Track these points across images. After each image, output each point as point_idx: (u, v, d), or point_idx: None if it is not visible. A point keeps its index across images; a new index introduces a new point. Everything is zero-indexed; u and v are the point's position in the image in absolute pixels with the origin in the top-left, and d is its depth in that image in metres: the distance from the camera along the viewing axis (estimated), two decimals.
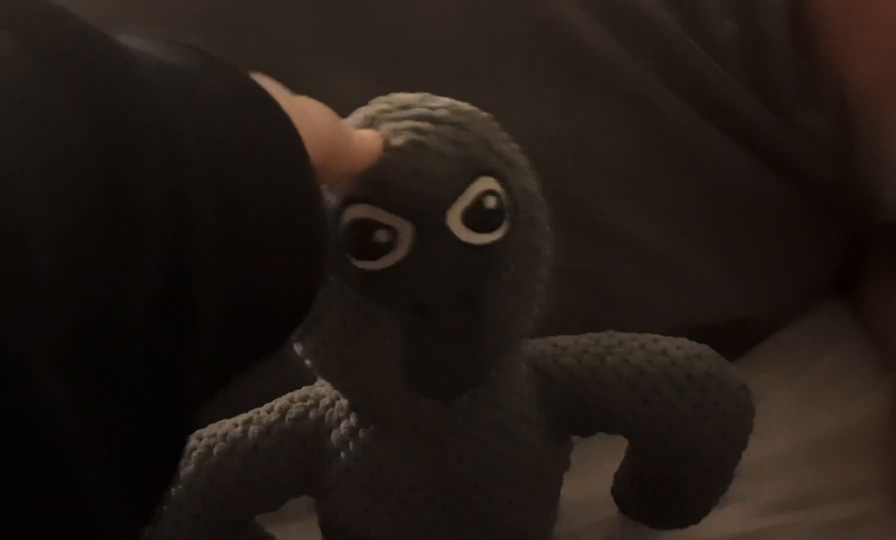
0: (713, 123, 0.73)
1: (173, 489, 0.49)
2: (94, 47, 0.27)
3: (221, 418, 0.50)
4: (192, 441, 0.49)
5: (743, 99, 0.73)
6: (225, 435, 0.49)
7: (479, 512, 0.49)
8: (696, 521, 0.55)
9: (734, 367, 0.51)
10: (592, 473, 0.55)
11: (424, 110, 0.43)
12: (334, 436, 0.49)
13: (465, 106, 0.44)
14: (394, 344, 0.44)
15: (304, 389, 0.50)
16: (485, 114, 0.45)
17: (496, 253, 0.43)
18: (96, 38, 0.27)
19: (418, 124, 0.42)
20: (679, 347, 0.50)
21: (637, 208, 0.71)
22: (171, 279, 0.27)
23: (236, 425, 0.49)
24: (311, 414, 0.49)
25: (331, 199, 0.42)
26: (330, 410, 0.49)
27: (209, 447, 0.49)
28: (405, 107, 0.43)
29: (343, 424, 0.48)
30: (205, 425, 0.50)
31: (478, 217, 0.42)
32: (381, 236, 0.42)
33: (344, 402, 0.48)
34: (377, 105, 0.44)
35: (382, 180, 0.42)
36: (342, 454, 0.48)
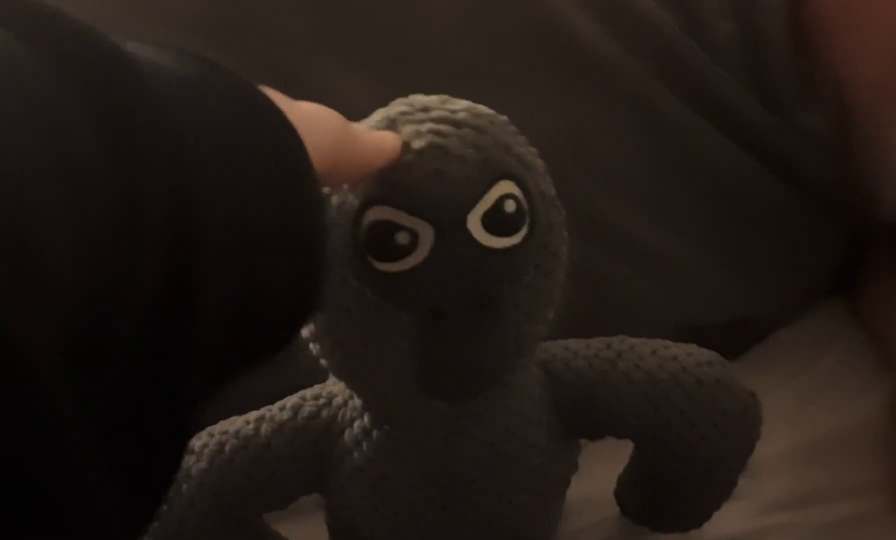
0: (713, 123, 0.73)
1: (184, 486, 0.49)
2: (102, 52, 0.27)
3: (233, 415, 0.50)
4: (204, 438, 0.49)
5: (743, 99, 0.73)
6: (237, 432, 0.49)
7: (486, 513, 0.49)
8: (699, 525, 0.56)
9: (740, 372, 0.51)
10: (594, 473, 0.55)
11: (445, 113, 0.43)
12: (347, 435, 0.49)
13: (484, 109, 0.44)
14: (410, 346, 0.44)
15: (317, 388, 0.50)
16: (503, 117, 0.45)
17: (515, 257, 0.43)
18: (104, 43, 0.28)
19: (439, 127, 0.42)
20: (689, 353, 0.50)
21: (637, 208, 0.71)
22: (173, 281, 0.27)
23: (248, 423, 0.49)
24: (324, 413, 0.49)
25: (352, 200, 0.42)
26: (343, 409, 0.49)
27: (221, 444, 0.49)
28: (425, 109, 0.43)
29: (356, 424, 0.48)
30: (216, 422, 0.50)
31: (497, 221, 0.42)
32: (402, 238, 0.42)
33: (357, 401, 0.48)
34: (397, 107, 0.44)
35: (403, 183, 0.42)
36: (355, 454, 0.48)
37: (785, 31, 0.74)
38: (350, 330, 0.44)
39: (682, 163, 0.73)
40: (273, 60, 0.65)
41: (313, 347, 0.46)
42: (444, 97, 0.45)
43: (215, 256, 0.29)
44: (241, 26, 0.67)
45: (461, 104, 0.44)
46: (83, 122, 0.25)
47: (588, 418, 0.50)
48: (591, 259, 0.67)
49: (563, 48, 0.71)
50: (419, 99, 0.45)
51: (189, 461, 0.49)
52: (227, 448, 0.49)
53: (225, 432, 0.49)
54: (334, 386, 0.50)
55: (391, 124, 0.43)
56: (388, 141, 0.42)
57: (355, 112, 0.43)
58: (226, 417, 0.50)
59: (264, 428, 0.49)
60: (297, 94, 0.37)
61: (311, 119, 0.36)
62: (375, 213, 0.42)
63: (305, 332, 0.46)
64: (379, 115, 0.44)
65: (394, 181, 0.42)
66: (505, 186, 0.43)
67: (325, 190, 0.43)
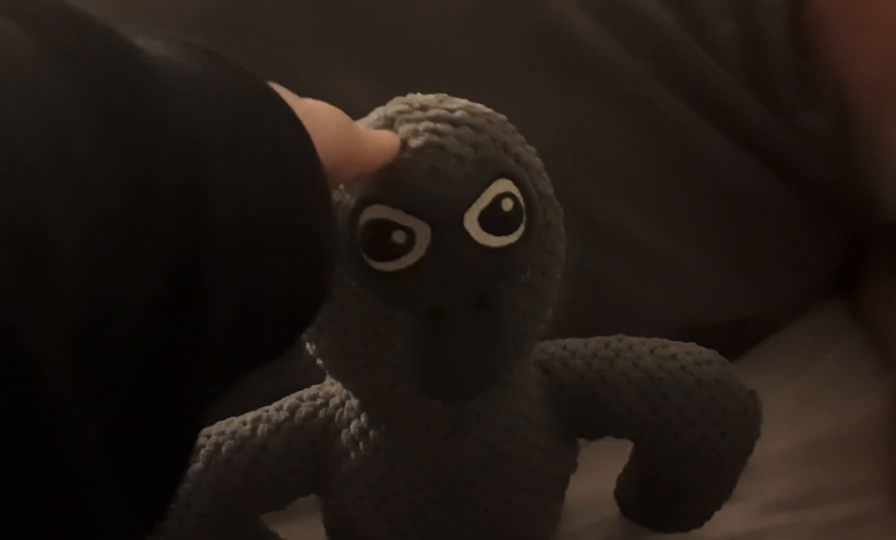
0: (713, 123, 0.73)
1: (181, 487, 0.49)
2: (110, 46, 0.27)
3: (230, 416, 0.50)
4: (201, 439, 0.49)
5: (743, 99, 0.73)
6: (234, 433, 0.49)
7: (485, 512, 0.49)
8: (699, 525, 0.56)
9: (740, 372, 0.51)
10: (593, 474, 0.55)
11: (443, 112, 0.43)
12: (344, 436, 0.49)
13: (481, 108, 0.44)
14: (408, 346, 0.44)
15: (314, 388, 0.50)
16: (500, 116, 0.45)
17: (513, 256, 0.43)
18: (113, 38, 0.27)
19: (437, 126, 0.42)
20: (688, 352, 0.50)
21: (637, 208, 0.71)
22: (180, 279, 0.27)
23: (245, 423, 0.49)
24: (321, 413, 0.49)
25: (348, 199, 0.42)
26: (340, 409, 0.49)
27: (218, 445, 0.49)
28: (423, 108, 0.43)
29: (353, 424, 0.48)
30: (213, 423, 0.50)
31: (495, 219, 0.42)
32: (399, 237, 0.41)
33: (354, 401, 0.48)
34: (395, 105, 0.44)
35: (400, 181, 0.42)
36: (352, 454, 0.48)
37: (785, 31, 0.74)
38: (347, 329, 0.44)
39: (682, 163, 0.73)
40: (273, 60, 0.64)
41: (310, 348, 0.46)
42: (442, 96, 0.45)
43: (223, 254, 0.29)
44: (241, 26, 0.67)
45: (459, 103, 0.44)
46: (89, 118, 0.25)
47: (587, 418, 0.50)
48: (591, 259, 0.67)
49: (563, 48, 0.71)
50: (417, 98, 0.44)
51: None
52: (224, 449, 0.49)
53: (222, 433, 0.49)
54: (331, 386, 0.49)
55: (389, 123, 0.43)
56: (388, 140, 0.42)
57: (355, 112, 0.43)
58: (223, 417, 0.50)
59: (261, 429, 0.49)
60: (297, 93, 0.37)
61: (316, 115, 0.36)
62: (372, 212, 0.42)
63: None
64: (377, 113, 0.44)
65: (390, 180, 0.42)
66: (502, 185, 0.42)
67: None
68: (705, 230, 0.73)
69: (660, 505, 0.56)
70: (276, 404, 0.50)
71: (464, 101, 0.44)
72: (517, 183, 0.43)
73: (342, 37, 0.68)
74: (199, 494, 0.49)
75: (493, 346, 0.44)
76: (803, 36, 0.74)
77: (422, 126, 0.42)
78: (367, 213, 0.42)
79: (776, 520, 0.60)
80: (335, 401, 0.49)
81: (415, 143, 0.42)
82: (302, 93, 0.38)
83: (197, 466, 0.49)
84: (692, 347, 0.51)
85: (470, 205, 0.42)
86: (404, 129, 0.42)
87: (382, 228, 0.42)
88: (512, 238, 0.43)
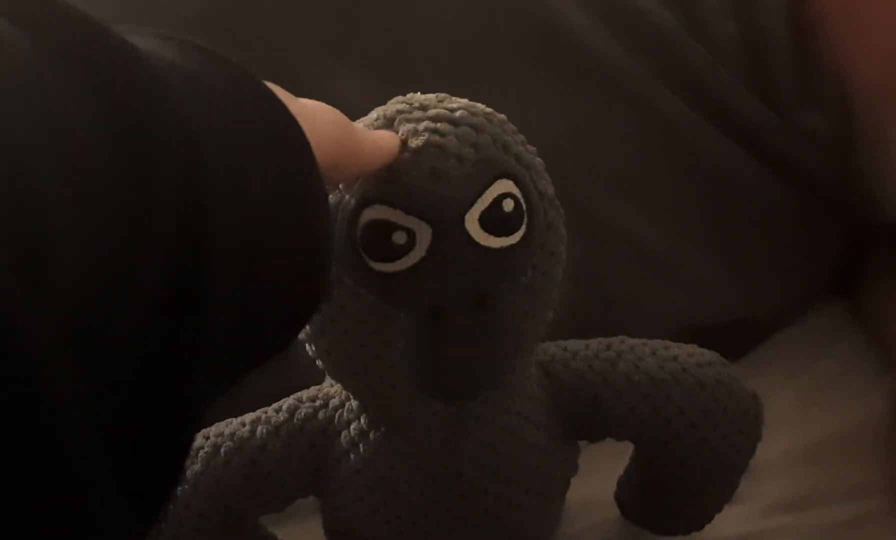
0: (713, 123, 0.73)
1: (179, 488, 0.48)
2: (110, 47, 0.27)
3: (228, 417, 0.50)
4: (200, 440, 0.49)
5: (743, 98, 0.73)
6: (233, 434, 0.49)
7: (485, 513, 0.49)
8: (700, 527, 0.55)
9: (740, 373, 0.51)
10: (594, 475, 0.55)
11: (443, 111, 0.43)
12: (344, 437, 0.48)
13: (482, 107, 0.44)
14: (407, 346, 0.44)
15: (313, 389, 0.50)
16: (501, 115, 0.44)
17: (513, 257, 0.43)
18: (111, 37, 0.27)
19: (437, 126, 0.42)
20: (690, 354, 0.50)
21: (637, 208, 0.71)
22: (181, 277, 0.27)
23: (244, 425, 0.49)
24: (321, 415, 0.49)
25: (348, 200, 0.42)
26: (340, 411, 0.49)
27: (216, 446, 0.49)
28: (423, 107, 0.43)
29: (353, 426, 0.48)
30: (212, 424, 0.50)
31: (495, 220, 0.42)
32: (399, 238, 0.41)
33: (354, 403, 0.48)
34: (395, 105, 0.44)
35: (400, 182, 0.41)
36: (352, 456, 0.48)
37: (786, 31, 0.74)
38: (347, 330, 0.44)
39: (682, 163, 0.73)
40: (273, 60, 0.64)
41: (309, 349, 0.46)
42: (443, 95, 0.44)
43: (223, 254, 0.28)
44: (241, 26, 0.67)
45: (459, 102, 0.44)
46: (89, 117, 0.25)
47: (588, 419, 0.50)
48: (590, 259, 0.67)
49: (562, 48, 0.71)
50: (417, 97, 0.44)
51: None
52: (223, 450, 0.49)
53: (220, 434, 0.49)
54: (331, 388, 0.49)
55: (389, 123, 0.43)
56: (387, 140, 0.42)
57: (355, 112, 0.43)
58: (223, 418, 0.50)
59: (260, 430, 0.49)
60: (296, 93, 0.37)
61: (313, 115, 0.36)
62: (372, 213, 0.42)
63: (301, 333, 0.46)
64: (377, 113, 0.44)
65: (390, 180, 0.41)
66: (503, 185, 0.42)
67: None
68: (705, 230, 0.73)
69: (660, 507, 0.56)
70: (275, 406, 0.50)
71: (464, 101, 0.44)
72: (518, 183, 0.43)
73: (342, 37, 0.68)
74: (197, 496, 0.49)
75: (493, 346, 0.44)
76: (804, 35, 0.74)
77: (422, 126, 0.42)
78: (367, 214, 0.42)
79: (777, 521, 0.60)
80: (335, 402, 0.49)
81: (415, 143, 0.42)
82: (302, 93, 0.37)
83: (196, 467, 0.49)
84: (694, 348, 0.50)
85: (471, 205, 0.41)
86: (404, 129, 0.42)
87: (382, 229, 0.41)
88: (513, 239, 0.43)
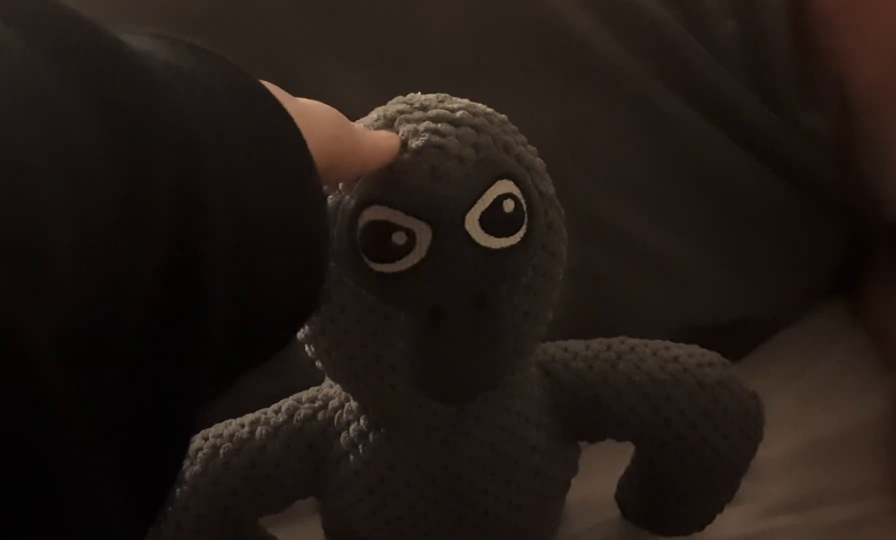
0: (714, 123, 0.73)
1: (178, 489, 0.48)
2: (105, 46, 0.27)
3: (228, 418, 0.50)
4: (198, 441, 0.49)
5: (744, 98, 0.73)
6: (232, 435, 0.49)
7: (485, 514, 0.49)
8: (701, 528, 0.55)
9: (741, 374, 0.51)
10: (594, 476, 0.55)
11: (443, 111, 0.43)
12: (343, 439, 0.48)
13: (482, 107, 0.44)
14: (407, 346, 0.43)
15: (312, 390, 0.50)
16: (501, 115, 0.44)
17: (514, 257, 0.43)
18: (106, 36, 0.27)
19: (438, 126, 0.42)
20: (690, 354, 0.50)
21: (637, 208, 0.71)
22: (179, 277, 0.27)
23: (243, 426, 0.49)
24: (320, 416, 0.49)
25: (348, 200, 0.42)
26: (339, 412, 0.49)
27: (215, 448, 0.49)
28: (423, 108, 0.43)
29: (352, 427, 0.48)
30: (211, 425, 0.50)
31: (496, 221, 0.42)
32: (399, 239, 0.41)
33: (353, 404, 0.48)
34: (395, 105, 0.44)
35: (401, 182, 0.41)
36: (351, 457, 0.48)
37: (786, 31, 0.74)
38: (347, 330, 0.44)
39: (682, 163, 0.73)
40: (273, 60, 0.64)
41: (308, 350, 0.46)
42: (443, 95, 0.44)
43: (222, 253, 0.28)
44: (241, 26, 0.67)
45: (460, 103, 0.44)
46: (85, 117, 0.25)
47: (588, 420, 0.50)
48: (591, 259, 0.67)
49: (562, 48, 0.71)
50: (417, 98, 0.44)
51: (184, 465, 0.49)
52: (222, 451, 0.48)
53: (219, 435, 0.49)
54: (330, 389, 0.49)
55: (389, 123, 0.43)
56: (387, 141, 0.42)
57: (355, 112, 0.43)
58: (222, 418, 0.50)
59: (259, 431, 0.49)
60: (296, 93, 0.37)
61: (311, 114, 0.36)
62: (372, 214, 0.41)
63: (301, 334, 0.45)
64: (377, 113, 0.44)
65: (391, 180, 0.41)
66: (503, 186, 0.42)
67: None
68: (705, 230, 0.73)
69: (661, 507, 0.56)
70: (274, 407, 0.50)
71: (464, 101, 0.44)
72: (518, 184, 0.43)
73: (342, 37, 0.68)
74: (196, 497, 0.49)
75: (493, 347, 0.44)
76: (804, 36, 0.74)
77: (422, 126, 0.42)
78: (367, 215, 0.42)
79: (778, 522, 0.60)
80: (334, 403, 0.49)
81: (415, 143, 0.42)
82: (302, 93, 0.37)
83: (195, 468, 0.49)
84: (694, 349, 0.50)
85: (471, 206, 0.41)
86: (405, 129, 0.42)
87: (382, 230, 0.41)
88: (513, 239, 0.43)
